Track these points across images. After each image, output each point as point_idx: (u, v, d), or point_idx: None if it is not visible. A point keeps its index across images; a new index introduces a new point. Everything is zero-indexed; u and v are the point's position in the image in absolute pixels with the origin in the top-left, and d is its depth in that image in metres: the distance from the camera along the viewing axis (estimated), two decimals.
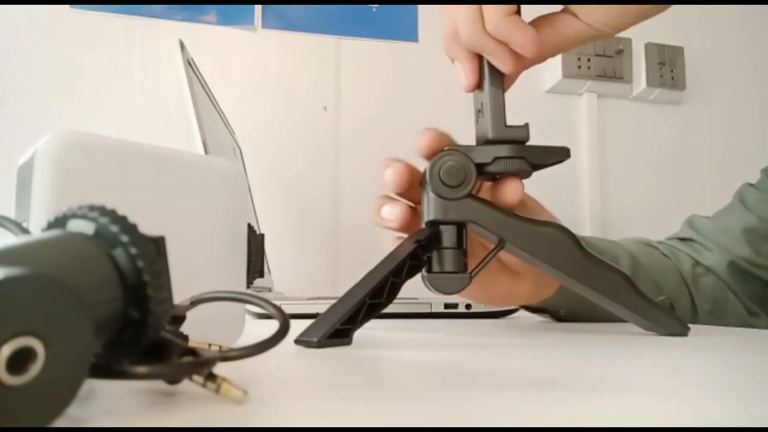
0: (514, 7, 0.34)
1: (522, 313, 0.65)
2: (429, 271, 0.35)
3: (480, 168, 0.35)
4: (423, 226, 0.36)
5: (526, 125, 0.36)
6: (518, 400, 0.17)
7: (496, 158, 0.35)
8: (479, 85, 0.37)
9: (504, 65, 0.35)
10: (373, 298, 0.32)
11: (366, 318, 0.32)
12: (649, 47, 1.19)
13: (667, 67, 1.19)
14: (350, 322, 0.31)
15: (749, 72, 1.29)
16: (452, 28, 0.36)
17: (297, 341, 0.30)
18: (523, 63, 0.36)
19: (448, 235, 0.35)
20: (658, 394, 0.17)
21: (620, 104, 1.21)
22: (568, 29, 0.36)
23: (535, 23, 0.36)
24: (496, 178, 0.37)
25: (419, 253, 0.34)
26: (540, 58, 0.36)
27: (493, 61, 0.35)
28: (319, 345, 0.29)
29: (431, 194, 0.35)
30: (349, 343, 0.31)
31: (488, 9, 0.34)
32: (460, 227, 0.35)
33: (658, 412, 0.15)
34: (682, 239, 0.61)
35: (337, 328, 0.30)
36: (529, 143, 0.36)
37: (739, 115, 1.27)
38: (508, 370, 0.23)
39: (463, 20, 0.35)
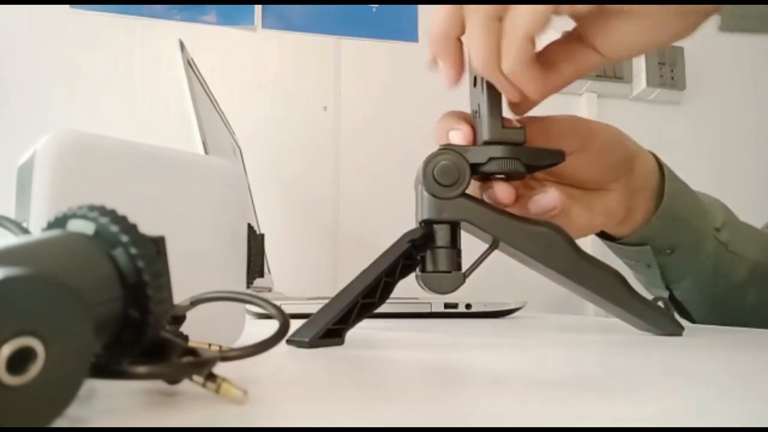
0: (534, 53, 0.34)
1: (522, 313, 0.65)
2: (423, 270, 0.35)
3: (474, 168, 0.35)
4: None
5: (523, 127, 0.36)
6: (518, 400, 0.17)
7: (491, 158, 0.35)
8: (465, 81, 0.37)
9: (510, 97, 0.35)
10: (365, 298, 0.32)
11: (359, 318, 0.32)
12: None
13: (667, 67, 1.19)
14: (342, 322, 0.31)
15: (749, 72, 1.29)
16: (445, 30, 0.35)
17: (289, 341, 0.30)
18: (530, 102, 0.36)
19: (441, 234, 0.35)
20: (657, 394, 0.18)
21: (620, 104, 1.21)
22: (587, 63, 0.36)
23: (554, 58, 0.36)
24: (491, 179, 0.37)
25: (412, 252, 0.34)
26: (555, 90, 0.37)
27: (500, 90, 0.35)
28: (311, 345, 0.29)
29: (425, 193, 0.35)
30: (341, 343, 0.31)
31: (509, 52, 0.33)
32: (454, 226, 0.35)
33: (657, 412, 0.15)
34: None
35: (329, 328, 0.30)
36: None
37: (738, 115, 1.27)
38: (508, 370, 0.23)
39: (479, 51, 0.33)
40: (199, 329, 0.20)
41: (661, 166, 0.47)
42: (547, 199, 0.37)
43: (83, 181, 0.22)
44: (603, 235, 0.49)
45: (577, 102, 1.20)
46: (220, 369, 0.16)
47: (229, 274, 0.27)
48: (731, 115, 1.26)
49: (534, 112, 0.39)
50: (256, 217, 0.89)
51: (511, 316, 0.63)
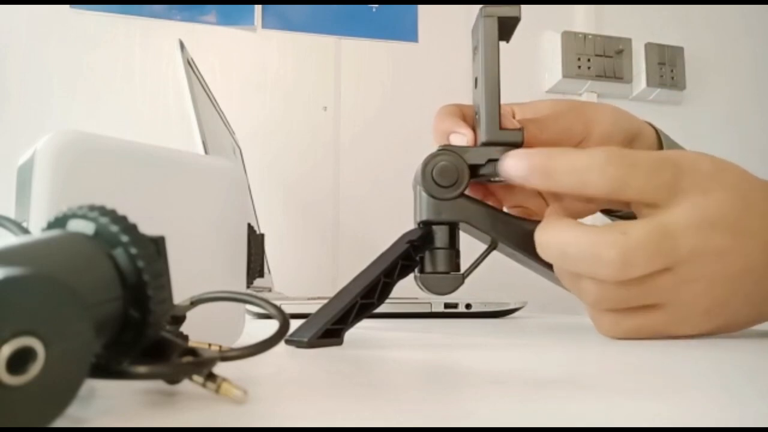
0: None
1: (522, 313, 0.65)
2: (422, 271, 0.35)
3: (473, 169, 0.35)
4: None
5: (521, 129, 0.36)
6: (518, 400, 0.17)
7: (489, 160, 0.35)
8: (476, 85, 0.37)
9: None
10: (364, 299, 0.32)
11: (357, 318, 0.32)
12: (649, 47, 1.19)
13: (667, 67, 1.19)
14: (341, 323, 0.31)
15: (749, 72, 1.29)
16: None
17: (287, 341, 0.30)
18: None
19: (440, 235, 0.35)
20: (658, 394, 0.17)
21: (620, 104, 1.20)
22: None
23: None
24: (490, 181, 0.37)
25: (411, 253, 0.34)
26: None
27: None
28: (310, 345, 0.29)
29: (423, 194, 0.35)
30: (340, 343, 0.31)
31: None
32: (453, 227, 0.35)
33: (658, 412, 0.15)
34: None
35: (328, 328, 0.30)
36: None
37: (739, 115, 1.27)
38: (508, 370, 0.23)
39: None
40: (199, 329, 0.20)
41: (660, 137, 0.46)
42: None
43: (83, 181, 0.22)
44: (606, 211, 0.48)
45: None
46: (220, 369, 0.16)
47: (229, 274, 0.27)
48: (731, 116, 1.26)
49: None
50: (256, 217, 0.89)
51: (511, 316, 0.63)
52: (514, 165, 0.33)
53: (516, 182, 0.34)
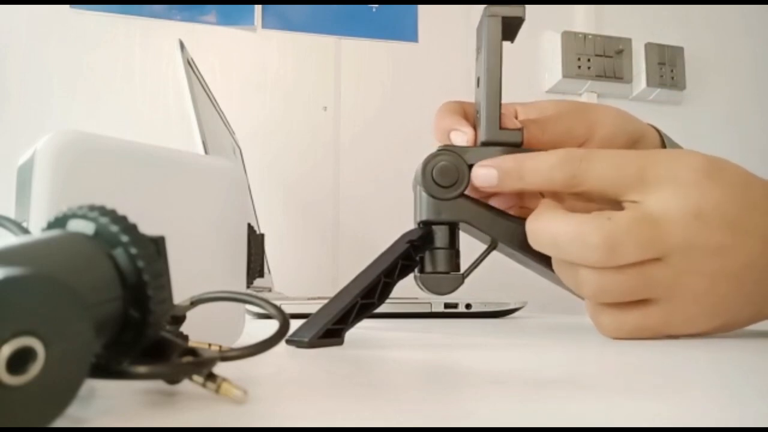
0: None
1: (522, 313, 0.65)
2: (422, 271, 0.35)
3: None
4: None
5: (521, 129, 0.36)
6: (518, 400, 0.17)
7: None
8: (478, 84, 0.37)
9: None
10: (364, 298, 0.32)
11: (358, 318, 0.32)
12: (649, 47, 1.19)
13: (667, 67, 1.19)
14: (342, 322, 0.31)
15: (749, 72, 1.29)
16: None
17: (288, 341, 0.30)
18: None
19: (440, 235, 0.35)
20: (658, 394, 0.17)
21: (620, 104, 1.21)
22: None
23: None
24: None
25: (411, 253, 0.34)
26: None
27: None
28: (310, 345, 0.29)
29: (423, 194, 0.35)
30: (340, 343, 0.31)
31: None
32: (453, 227, 0.35)
33: (658, 412, 0.15)
34: None
35: (328, 329, 0.30)
36: None
37: (739, 115, 1.27)
38: (508, 370, 0.23)
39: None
40: (199, 329, 0.20)
41: (663, 140, 0.46)
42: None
43: (83, 181, 0.22)
44: None
45: None
46: (220, 369, 0.16)
47: (229, 274, 0.27)
48: (731, 116, 1.26)
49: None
50: (256, 217, 0.89)
51: (511, 316, 0.63)
52: (485, 174, 0.34)
53: (489, 191, 0.35)
